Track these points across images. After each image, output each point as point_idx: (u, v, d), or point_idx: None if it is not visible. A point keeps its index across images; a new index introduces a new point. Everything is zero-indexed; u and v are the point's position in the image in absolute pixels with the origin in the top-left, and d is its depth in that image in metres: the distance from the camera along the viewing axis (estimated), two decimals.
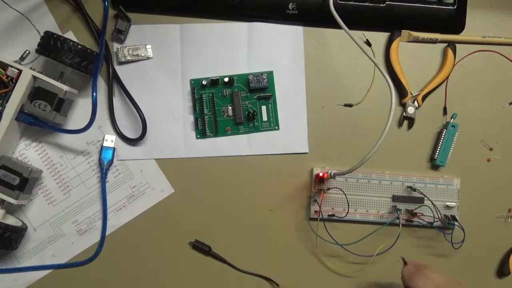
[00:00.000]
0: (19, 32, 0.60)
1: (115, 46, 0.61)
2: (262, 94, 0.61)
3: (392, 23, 0.62)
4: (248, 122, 0.61)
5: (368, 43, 0.62)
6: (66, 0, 0.61)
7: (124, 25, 0.60)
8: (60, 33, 0.59)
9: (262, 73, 0.61)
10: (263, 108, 0.61)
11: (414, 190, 0.60)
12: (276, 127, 0.62)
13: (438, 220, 0.60)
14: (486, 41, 0.63)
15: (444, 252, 0.62)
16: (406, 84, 0.62)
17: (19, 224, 0.58)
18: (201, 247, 0.60)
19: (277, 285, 0.60)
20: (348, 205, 0.60)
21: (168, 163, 0.61)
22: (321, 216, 0.60)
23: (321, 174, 0.59)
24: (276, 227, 0.61)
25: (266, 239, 0.61)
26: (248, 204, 0.61)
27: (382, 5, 0.61)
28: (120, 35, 0.60)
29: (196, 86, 0.61)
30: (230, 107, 0.61)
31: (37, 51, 0.56)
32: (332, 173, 0.59)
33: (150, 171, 0.61)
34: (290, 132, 0.62)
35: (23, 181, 0.56)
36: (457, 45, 0.63)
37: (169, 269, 0.60)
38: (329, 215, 0.60)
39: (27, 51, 0.59)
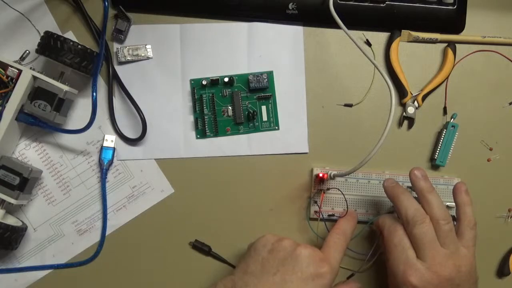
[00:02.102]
0: (19, 32, 0.60)
1: (115, 46, 0.61)
2: (262, 94, 0.61)
3: (392, 23, 0.62)
4: (248, 122, 0.61)
5: (368, 43, 0.62)
6: (66, 0, 0.61)
7: (124, 25, 0.60)
8: (60, 33, 0.59)
9: (262, 73, 0.61)
10: (263, 108, 0.62)
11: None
12: (276, 127, 0.62)
13: None
14: (486, 41, 0.63)
15: None
16: (406, 84, 0.62)
17: (19, 224, 0.58)
18: (201, 247, 0.60)
19: None
20: (347, 205, 0.60)
21: (168, 163, 0.61)
22: (321, 216, 0.60)
23: (320, 175, 0.59)
24: (276, 227, 0.61)
25: None
26: (248, 204, 0.61)
27: (382, 5, 0.61)
28: (120, 35, 0.60)
29: (196, 86, 0.61)
30: (230, 107, 0.61)
31: (37, 51, 0.56)
32: (331, 174, 0.59)
33: (150, 171, 0.61)
34: (290, 132, 0.62)
35: (23, 181, 0.56)
36: (457, 45, 0.63)
37: (169, 269, 0.60)
38: (329, 215, 0.60)
39: (27, 51, 0.59)
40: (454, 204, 0.59)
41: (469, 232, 0.54)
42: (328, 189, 0.60)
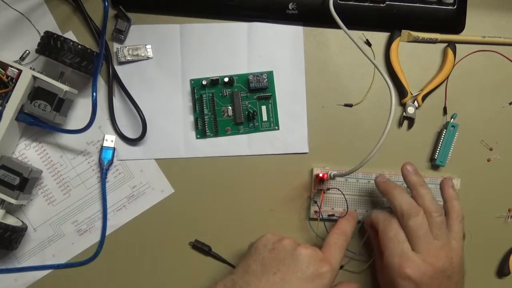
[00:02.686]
0: (19, 32, 0.60)
1: (115, 46, 0.61)
2: (262, 94, 0.61)
3: (392, 23, 0.62)
4: (248, 122, 0.61)
5: (368, 43, 0.62)
6: (66, 0, 0.61)
7: (124, 25, 0.60)
8: (60, 33, 0.59)
9: (262, 73, 0.61)
10: (263, 108, 0.62)
11: None
12: (276, 127, 0.62)
13: None
14: (486, 41, 0.63)
15: None
16: (406, 84, 0.62)
17: (19, 224, 0.58)
18: (201, 247, 0.60)
19: None
20: (347, 205, 0.60)
21: (168, 163, 0.61)
22: (321, 216, 0.60)
23: (320, 175, 0.59)
24: (276, 227, 0.61)
25: None
26: (248, 204, 0.61)
27: (382, 5, 0.61)
28: (120, 35, 0.60)
29: (196, 86, 0.61)
30: (230, 107, 0.61)
31: (37, 51, 0.56)
32: (331, 174, 0.59)
33: (150, 171, 0.61)
34: (290, 132, 0.62)
35: (23, 181, 0.56)
36: (457, 45, 0.63)
37: (169, 269, 0.60)
38: (329, 215, 0.60)
39: (27, 51, 0.59)
40: None
41: (458, 225, 0.55)
42: (328, 189, 0.60)
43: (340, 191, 0.60)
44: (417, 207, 0.54)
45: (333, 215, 0.60)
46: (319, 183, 0.61)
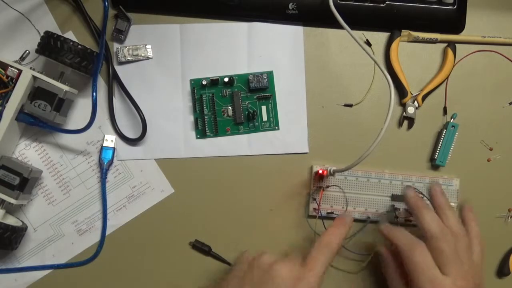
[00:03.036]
0: (19, 32, 0.60)
1: (115, 46, 0.61)
2: (262, 94, 0.61)
3: (392, 23, 0.62)
4: (248, 122, 0.61)
5: (368, 43, 0.62)
6: (66, 0, 0.61)
7: (124, 25, 0.60)
8: (60, 33, 0.59)
9: (262, 73, 0.61)
10: (263, 108, 0.62)
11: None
12: (276, 127, 0.62)
13: None
14: (486, 41, 0.63)
15: None
16: (406, 84, 0.62)
17: (19, 224, 0.58)
18: (201, 247, 0.60)
19: None
20: (347, 203, 0.60)
21: (168, 163, 0.61)
22: (319, 214, 0.60)
23: (320, 171, 0.59)
24: (276, 227, 0.61)
25: (266, 239, 0.61)
26: (248, 204, 0.61)
27: (382, 5, 0.61)
28: (120, 35, 0.60)
29: (196, 86, 0.61)
30: (230, 107, 0.61)
31: (37, 51, 0.56)
32: (331, 170, 0.59)
33: (150, 171, 0.61)
34: (290, 132, 0.62)
35: (23, 181, 0.56)
36: (457, 45, 0.63)
37: (169, 269, 0.60)
38: (327, 213, 0.60)
39: (27, 51, 0.59)
40: (453, 204, 0.60)
41: (478, 246, 0.55)
42: (327, 186, 0.60)
43: (339, 187, 0.60)
44: (446, 229, 0.53)
45: (332, 212, 0.60)
46: (318, 180, 0.61)
